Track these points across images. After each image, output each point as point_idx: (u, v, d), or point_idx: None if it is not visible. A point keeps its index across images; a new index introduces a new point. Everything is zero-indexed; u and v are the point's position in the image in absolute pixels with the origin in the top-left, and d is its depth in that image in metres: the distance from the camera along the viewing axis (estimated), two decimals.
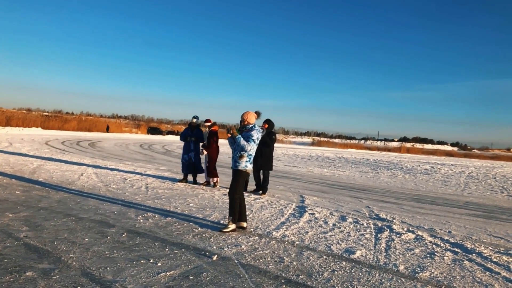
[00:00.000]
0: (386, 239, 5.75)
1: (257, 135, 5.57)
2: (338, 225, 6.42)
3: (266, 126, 9.26)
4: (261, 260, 4.35)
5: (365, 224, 6.61)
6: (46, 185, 8.12)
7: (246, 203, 7.51)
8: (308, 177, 14.73)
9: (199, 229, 5.54)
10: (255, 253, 4.59)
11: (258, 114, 5.77)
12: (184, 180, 10.05)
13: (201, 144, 9.86)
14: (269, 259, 4.43)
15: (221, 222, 5.99)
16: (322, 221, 6.63)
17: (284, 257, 4.52)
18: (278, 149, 42.70)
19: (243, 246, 4.84)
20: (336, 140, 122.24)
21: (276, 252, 4.69)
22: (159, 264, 3.98)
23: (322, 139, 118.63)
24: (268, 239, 5.25)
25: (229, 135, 5.59)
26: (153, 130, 66.69)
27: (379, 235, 5.93)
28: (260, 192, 9.13)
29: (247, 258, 4.40)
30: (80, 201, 6.78)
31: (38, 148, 18.21)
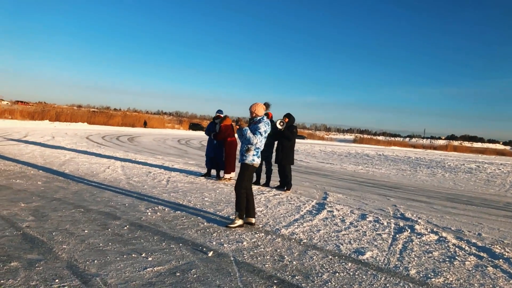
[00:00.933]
0: (404, 240, 5.37)
1: (264, 127, 5.32)
2: (356, 223, 6.08)
3: (287, 120, 8.98)
4: (259, 258, 4.13)
5: (385, 224, 6.22)
6: (69, 177, 8.24)
7: (263, 199, 7.33)
8: (339, 174, 14.29)
9: (205, 223, 5.37)
10: (255, 251, 4.37)
11: (267, 105, 5.53)
12: (207, 174, 9.95)
13: (212, 134, 9.68)
14: (268, 257, 4.20)
15: (231, 217, 5.81)
16: (339, 219, 6.30)
17: (285, 256, 4.27)
18: (316, 145, 42.12)
19: (244, 243, 4.63)
20: (380, 138, 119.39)
21: (278, 250, 4.45)
22: (150, 259, 3.84)
23: (365, 136, 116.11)
24: (274, 236, 5.01)
25: (237, 127, 5.39)
26: (195, 126, 67.56)
27: (397, 236, 5.55)
28: (285, 188, 8.86)
29: (245, 255, 4.19)
30: (96, 193, 6.79)
31: (77, 142, 18.77)
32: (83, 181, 7.87)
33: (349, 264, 4.21)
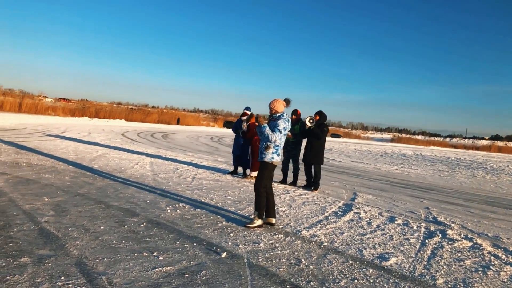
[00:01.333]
0: (434, 245, 5.04)
1: (284, 124, 5.13)
2: (383, 227, 5.78)
3: (318, 117, 8.72)
4: (274, 261, 3.94)
5: (414, 227, 5.89)
6: (97, 172, 8.33)
7: (288, 198, 7.13)
8: (372, 174, 13.86)
9: (224, 223, 5.24)
10: (272, 253, 4.19)
11: (287, 101, 5.32)
12: (234, 172, 9.84)
13: (240, 132, 9.56)
14: (284, 260, 4.01)
15: (251, 216, 5.65)
16: (366, 221, 6.02)
17: (303, 259, 4.07)
18: (351, 144, 41.36)
19: (261, 244, 4.46)
20: (419, 137, 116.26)
21: (296, 253, 4.25)
22: (161, 258, 3.74)
23: (403, 135, 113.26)
24: (293, 238, 4.81)
25: (257, 124, 5.23)
26: (229, 124, 67.89)
27: (427, 241, 5.22)
28: (312, 188, 8.61)
29: (259, 257, 4.02)
30: (120, 189, 6.80)
31: (111, 138, 19.16)
32: (109, 177, 7.92)
33: (371, 270, 3.96)
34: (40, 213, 4.93)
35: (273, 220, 5.28)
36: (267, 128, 5.07)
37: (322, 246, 4.62)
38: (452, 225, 6.30)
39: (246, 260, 3.90)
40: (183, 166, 10.63)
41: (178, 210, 5.67)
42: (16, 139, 13.75)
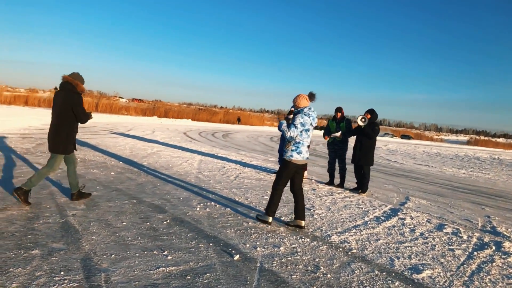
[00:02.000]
0: (482, 259, 4.48)
1: (300, 120, 4.85)
2: (427, 235, 5.27)
3: (369, 116, 8.24)
4: (289, 267, 3.68)
5: (464, 237, 5.31)
6: (143, 169, 8.49)
7: (330, 201, 6.80)
8: (434, 177, 12.94)
9: (250, 223, 5.05)
10: (290, 258, 3.93)
11: (311, 95, 5.02)
12: None
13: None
14: (301, 266, 3.73)
15: (282, 218, 5.40)
16: (409, 228, 5.53)
17: (322, 267, 3.76)
18: (421, 146, 39.32)
19: (281, 248, 4.21)
20: (500, 140, 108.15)
21: (316, 260, 3.95)
22: (169, 257, 3.63)
23: (481, 138, 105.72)
24: (320, 243, 4.50)
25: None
26: None
27: (475, 253, 4.66)
28: (359, 191, 8.16)
29: (274, 262, 3.78)
30: (159, 186, 6.85)
31: (172, 136, 19.69)
32: (154, 173, 8.03)
33: (397, 283, 3.56)
34: (71, 206, 5.04)
35: (302, 223, 4.99)
36: (284, 124, 4.81)
37: (350, 253, 4.26)
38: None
39: (258, 264, 3.68)
40: (231, 164, 10.58)
41: (207, 209, 5.56)
42: (82, 136, 14.53)
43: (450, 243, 4.99)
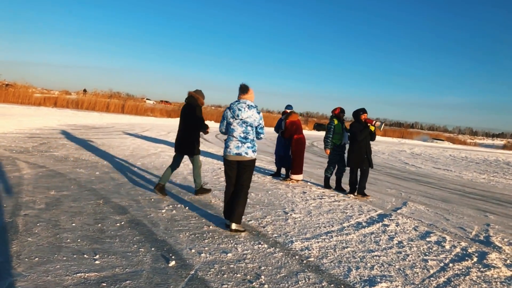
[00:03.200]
0: (457, 271, 4.08)
1: (224, 114, 4.77)
2: (405, 243, 4.88)
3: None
4: (225, 276, 3.40)
5: (447, 247, 4.88)
6: (133, 169, 8.37)
7: (315, 204, 6.49)
8: (447, 182, 12.30)
9: (211, 227, 4.79)
10: (232, 265, 3.64)
11: (240, 88, 4.85)
12: (277, 174, 9.30)
13: (280, 131, 9.02)
14: (239, 275, 3.44)
15: (251, 222, 5.12)
16: (388, 236, 5.14)
17: (263, 276, 3.46)
18: (449, 150, 37.99)
19: (230, 254, 3.93)
20: None
21: (262, 268, 3.65)
22: (97, 262, 3.42)
23: None
24: (277, 250, 4.18)
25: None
26: (319, 126, 66.69)
27: (450, 265, 4.25)
28: (350, 194, 7.75)
29: (212, 270, 3.51)
30: (138, 186, 6.71)
31: None
32: (141, 174, 7.89)
33: None
34: (30, 206, 4.92)
35: (232, 225, 4.61)
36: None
37: (305, 261, 3.94)
38: (505, 248, 5.11)
39: (192, 272, 3.41)
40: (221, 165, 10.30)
41: (174, 211, 5.34)
42: (92, 136, 14.64)
43: (427, 253, 4.57)
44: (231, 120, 4.71)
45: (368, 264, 4.04)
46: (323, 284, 3.43)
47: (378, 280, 3.64)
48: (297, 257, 4.05)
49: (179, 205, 5.66)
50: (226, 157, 4.76)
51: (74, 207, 5.06)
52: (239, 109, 4.67)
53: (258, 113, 4.76)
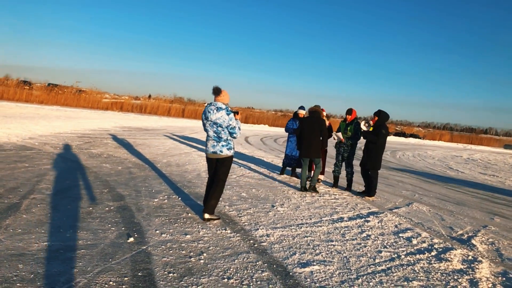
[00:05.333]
0: (405, 262, 4.29)
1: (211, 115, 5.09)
2: (373, 237, 5.15)
3: (376, 118, 7.98)
4: (171, 251, 3.94)
5: (414, 242, 5.08)
6: (155, 165, 9.09)
7: (311, 200, 6.79)
8: (480, 187, 11.89)
9: (190, 214, 5.32)
10: (184, 245, 4.16)
11: (213, 90, 5.20)
12: (282, 172, 9.64)
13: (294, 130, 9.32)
14: (184, 252, 3.95)
15: (231, 213, 5.58)
16: (360, 230, 5.40)
17: (205, 254, 3.93)
18: (494, 155, 35.61)
19: (188, 236, 4.45)
20: None
21: (211, 248, 4.13)
22: (67, 235, 4.08)
23: None
24: (237, 235, 4.64)
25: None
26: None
27: (403, 257, 4.48)
28: (365, 195, 7.94)
29: (162, 247, 4.04)
30: (150, 179, 7.38)
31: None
32: (160, 169, 8.58)
33: (265, 273, 3.62)
34: (42, 191, 5.73)
35: (205, 215, 5.06)
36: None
37: (256, 245, 4.35)
38: (480, 246, 5.16)
39: (144, 247, 3.95)
40: (250, 165, 10.80)
41: (166, 200, 5.92)
42: (137, 137, 15.81)
43: (386, 246, 4.78)
44: (205, 121, 5.16)
45: (317, 251, 4.35)
46: (257, 263, 3.82)
47: (314, 263, 3.96)
48: (251, 241, 4.45)
49: (174, 196, 6.23)
50: (206, 155, 5.30)
51: (79, 194, 5.80)
52: (209, 112, 5.09)
53: (228, 114, 5.04)
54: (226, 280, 3.38)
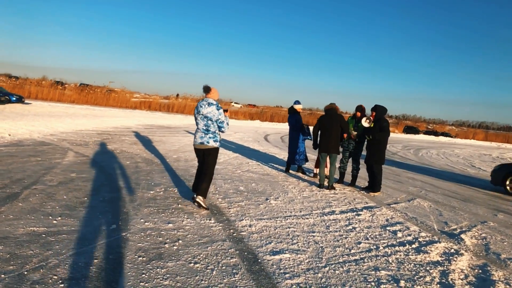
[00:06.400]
0: (381, 253, 4.35)
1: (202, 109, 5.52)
2: (357, 229, 5.20)
3: (374, 114, 7.99)
4: (148, 238, 4.13)
5: (399, 235, 5.12)
6: (165, 160, 9.35)
7: (312, 194, 6.86)
8: (487, 183, 11.59)
9: (180, 206, 5.50)
10: (163, 232, 4.35)
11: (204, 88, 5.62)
12: (288, 168, 9.69)
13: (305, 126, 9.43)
14: (160, 239, 4.14)
15: (222, 204, 5.73)
16: (348, 222, 5.47)
17: (180, 241, 4.12)
18: None
19: (170, 225, 4.62)
20: None
21: (188, 236, 4.31)
22: (54, 222, 4.32)
23: None
24: (219, 225, 4.79)
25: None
26: (409, 129, 63.92)
27: (381, 248, 4.53)
28: (369, 191, 7.94)
29: (140, 234, 4.24)
30: (154, 173, 7.62)
31: (245, 137, 20.59)
32: (168, 164, 8.84)
33: (234, 259, 3.78)
34: (44, 182, 6.04)
35: (198, 198, 5.31)
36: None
37: (235, 234, 4.49)
38: (468, 241, 5.13)
39: (123, 234, 4.15)
40: (259, 162, 10.92)
41: (162, 192, 6.14)
42: (156, 134, 16.21)
43: (368, 238, 4.83)
44: (196, 115, 5.55)
45: (294, 241, 4.44)
46: (229, 251, 3.96)
47: (286, 252, 4.06)
48: (231, 231, 4.59)
49: (171, 189, 6.44)
50: (194, 146, 5.60)
51: (79, 185, 6.09)
52: (201, 106, 5.50)
53: (218, 109, 5.46)
54: (192, 264, 3.53)
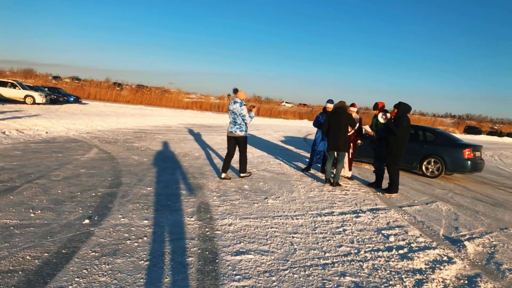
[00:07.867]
0: (360, 258, 4.07)
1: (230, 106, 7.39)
2: (347, 232, 4.91)
3: (395, 110, 7.59)
4: (113, 234, 4.11)
5: (391, 240, 4.76)
6: (171, 154, 9.43)
7: (319, 193, 6.65)
8: None
9: (169, 202, 5.46)
10: (133, 228, 4.32)
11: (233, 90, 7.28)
12: (307, 169, 9.41)
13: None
14: (126, 235, 4.11)
15: (215, 203, 5.64)
16: (340, 224, 5.19)
17: (145, 238, 4.06)
18: None
19: (145, 221, 4.60)
20: None
21: (158, 233, 4.25)
22: (31, 215, 4.41)
23: None
24: (198, 222, 4.72)
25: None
26: (470, 130, 60.50)
27: (362, 253, 4.24)
28: (385, 191, 7.55)
29: (108, 229, 4.23)
30: (161, 169, 7.67)
31: (278, 136, 20.37)
32: (181, 163, 8.88)
33: (190, 258, 3.66)
34: (49, 177, 6.24)
35: (241, 174, 7.56)
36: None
37: (208, 232, 4.40)
38: (470, 247, 4.72)
39: (93, 229, 4.17)
40: (277, 159, 10.73)
41: (159, 189, 6.14)
42: (193, 133, 16.45)
43: (354, 242, 4.54)
44: (228, 111, 7.28)
45: (268, 242, 4.25)
46: (191, 249, 3.85)
47: (251, 253, 3.89)
48: (207, 229, 4.48)
49: (172, 186, 6.43)
50: (227, 134, 7.39)
51: (81, 181, 6.23)
52: (230, 104, 7.37)
53: (241, 106, 7.11)
54: (142, 262, 3.46)
